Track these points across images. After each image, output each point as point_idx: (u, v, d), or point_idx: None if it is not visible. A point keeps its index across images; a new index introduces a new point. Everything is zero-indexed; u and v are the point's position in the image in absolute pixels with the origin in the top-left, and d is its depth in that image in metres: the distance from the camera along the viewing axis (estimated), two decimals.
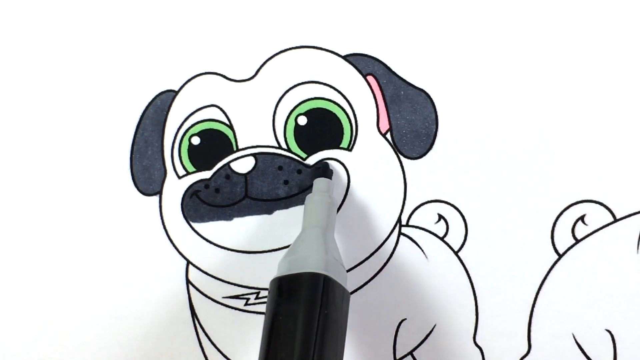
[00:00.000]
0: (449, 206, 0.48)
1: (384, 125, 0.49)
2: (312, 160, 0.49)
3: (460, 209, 0.48)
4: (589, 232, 0.48)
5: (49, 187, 0.51)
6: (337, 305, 0.40)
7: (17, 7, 0.52)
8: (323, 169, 0.48)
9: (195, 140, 0.50)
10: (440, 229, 0.49)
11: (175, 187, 0.50)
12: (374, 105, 0.49)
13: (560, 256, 0.48)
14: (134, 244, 0.50)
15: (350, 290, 0.49)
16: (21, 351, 0.51)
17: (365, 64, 0.49)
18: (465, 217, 0.48)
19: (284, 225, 0.49)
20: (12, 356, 0.51)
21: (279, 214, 0.49)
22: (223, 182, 0.49)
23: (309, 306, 0.38)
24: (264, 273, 0.49)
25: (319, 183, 0.47)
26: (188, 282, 0.50)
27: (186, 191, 0.50)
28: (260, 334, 0.49)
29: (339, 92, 0.49)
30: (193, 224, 0.50)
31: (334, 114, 0.49)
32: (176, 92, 0.50)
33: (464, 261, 0.48)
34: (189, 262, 0.50)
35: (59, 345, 0.51)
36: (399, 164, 0.49)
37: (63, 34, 0.52)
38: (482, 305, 0.48)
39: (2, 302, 0.51)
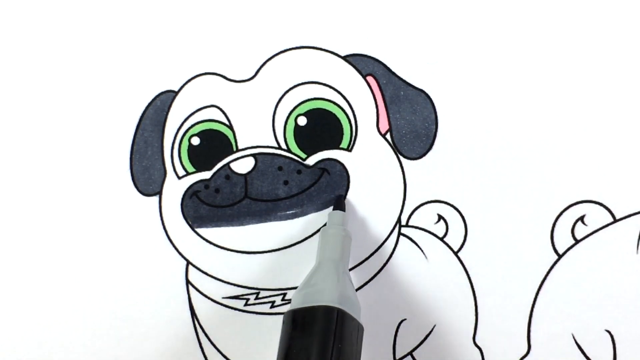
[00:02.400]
0: (448, 206, 0.49)
1: (384, 126, 0.49)
2: (312, 160, 0.49)
3: (460, 209, 0.48)
4: (588, 233, 0.48)
5: (49, 187, 0.51)
6: (351, 339, 0.40)
7: (17, 7, 0.52)
8: (337, 202, 0.48)
9: (195, 141, 0.50)
10: (440, 229, 0.49)
11: (175, 188, 0.50)
12: (374, 105, 0.49)
13: (560, 256, 0.48)
14: (134, 244, 0.50)
15: None
16: (21, 351, 0.51)
17: (365, 65, 0.49)
18: (465, 218, 0.48)
19: (284, 225, 0.49)
20: (12, 356, 0.51)
21: (279, 214, 0.49)
22: (223, 183, 0.49)
23: (323, 340, 0.38)
24: (264, 273, 0.49)
25: (334, 216, 0.47)
26: (188, 282, 0.50)
27: (186, 191, 0.50)
28: (260, 334, 0.49)
29: (339, 92, 0.49)
30: (193, 224, 0.50)
31: (334, 114, 0.49)
32: (176, 93, 0.51)
33: (463, 261, 0.48)
34: (189, 262, 0.50)
35: (59, 346, 0.51)
36: (398, 165, 0.49)
37: (63, 34, 0.52)
38: (482, 305, 0.48)
39: (2, 302, 0.51)
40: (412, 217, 0.49)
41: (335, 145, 0.49)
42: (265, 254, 0.50)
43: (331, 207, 0.48)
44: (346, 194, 0.49)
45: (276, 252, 0.49)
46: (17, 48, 0.52)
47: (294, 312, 0.40)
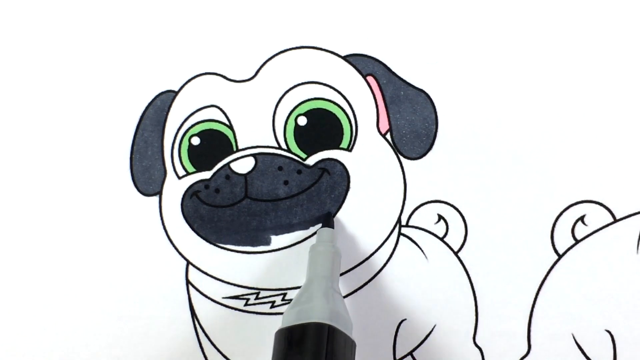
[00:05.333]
0: (448, 206, 0.48)
1: (384, 126, 0.49)
2: (312, 160, 0.49)
3: (460, 209, 0.48)
4: (588, 233, 0.48)
5: (49, 187, 0.51)
6: (343, 355, 0.40)
7: (17, 7, 0.52)
8: (326, 219, 0.48)
9: (195, 141, 0.50)
10: (440, 229, 0.49)
11: (175, 188, 0.50)
12: (374, 105, 0.49)
13: (560, 256, 0.48)
14: (134, 244, 0.50)
15: (350, 291, 0.49)
16: (21, 351, 0.51)
17: (365, 65, 0.49)
18: (465, 218, 0.48)
19: (284, 225, 0.49)
20: (12, 356, 0.51)
21: (279, 214, 0.49)
22: (223, 183, 0.49)
23: (315, 357, 0.38)
24: (264, 273, 0.49)
25: (323, 233, 0.47)
26: (188, 282, 0.50)
27: (186, 191, 0.50)
28: (260, 334, 0.49)
29: (339, 92, 0.49)
30: (193, 224, 0.50)
31: (334, 114, 0.49)
32: (176, 93, 0.51)
33: (463, 261, 0.48)
34: (189, 262, 0.50)
35: (60, 346, 0.51)
36: (398, 164, 0.49)
37: (63, 35, 0.52)
38: (482, 305, 0.48)
39: (2, 302, 0.51)
40: (412, 217, 0.49)
41: (336, 145, 0.49)
42: (265, 254, 0.50)
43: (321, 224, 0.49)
44: (346, 194, 0.49)
45: (276, 252, 0.49)
46: (17, 48, 0.52)
47: (285, 330, 0.40)
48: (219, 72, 0.50)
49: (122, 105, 0.51)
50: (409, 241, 0.49)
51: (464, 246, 0.48)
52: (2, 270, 0.51)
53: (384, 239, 0.49)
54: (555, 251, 0.48)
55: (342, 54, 0.50)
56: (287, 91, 0.49)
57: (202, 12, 0.51)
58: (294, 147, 0.49)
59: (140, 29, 0.51)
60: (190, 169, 0.50)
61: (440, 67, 0.49)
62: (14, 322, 0.51)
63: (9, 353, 0.51)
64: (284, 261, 0.49)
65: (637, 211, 0.48)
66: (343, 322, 0.41)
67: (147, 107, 0.51)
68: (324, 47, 0.50)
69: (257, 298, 0.49)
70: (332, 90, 0.49)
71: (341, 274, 0.49)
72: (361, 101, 0.49)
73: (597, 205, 0.48)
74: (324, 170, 0.49)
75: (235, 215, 0.49)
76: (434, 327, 0.48)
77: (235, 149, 0.50)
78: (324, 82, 0.49)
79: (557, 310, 0.48)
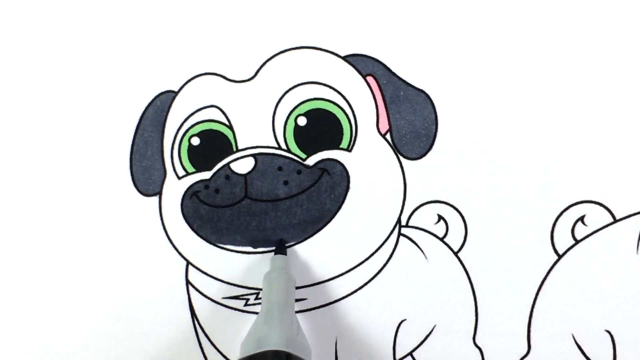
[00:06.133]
0: (448, 207, 0.48)
1: (384, 126, 0.49)
2: (311, 160, 0.49)
3: (460, 209, 0.48)
4: (588, 233, 0.48)
5: (49, 187, 0.51)
6: None
7: (17, 7, 0.52)
8: (278, 247, 0.48)
9: (195, 141, 0.50)
10: (440, 229, 0.49)
11: (175, 188, 0.50)
12: (374, 105, 0.49)
13: (560, 257, 0.48)
14: (134, 244, 0.50)
15: (350, 291, 0.49)
16: (21, 351, 0.51)
17: (365, 65, 0.49)
18: (465, 218, 0.48)
19: (284, 225, 0.49)
20: (12, 356, 0.51)
21: (279, 214, 0.49)
22: (223, 183, 0.49)
23: None
24: (263, 273, 0.49)
25: (276, 260, 0.47)
26: (188, 282, 0.50)
27: (186, 192, 0.50)
28: None
29: (339, 92, 0.49)
30: (193, 225, 0.50)
31: (334, 114, 0.49)
32: (176, 93, 0.50)
33: (463, 262, 0.48)
34: (188, 263, 0.50)
35: (59, 346, 0.51)
36: (398, 165, 0.49)
37: (63, 35, 0.52)
38: (482, 305, 0.48)
39: (2, 302, 0.51)
40: (412, 217, 0.49)
41: (335, 146, 0.49)
42: (265, 254, 0.50)
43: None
44: (346, 194, 0.49)
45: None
46: (17, 48, 0.52)
47: None
48: (218, 73, 0.50)
49: (122, 106, 0.51)
50: (409, 241, 0.49)
51: (464, 246, 0.48)
52: (2, 270, 0.51)
53: (384, 239, 0.49)
54: (555, 251, 0.48)
55: (342, 54, 0.50)
56: (287, 91, 0.49)
57: (201, 12, 0.51)
58: (293, 147, 0.49)
59: (140, 29, 0.51)
60: (190, 169, 0.50)
61: (440, 67, 0.49)
62: (14, 322, 0.51)
63: (9, 353, 0.51)
64: None
65: (637, 211, 0.48)
66: (300, 348, 0.41)
67: (147, 108, 0.51)
68: (323, 47, 0.50)
69: (257, 298, 0.49)
70: (332, 90, 0.49)
71: (341, 275, 0.49)
72: (361, 101, 0.49)
73: (597, 206, 0.48)
74: (324, 171, 0.49)
75: (235, 215, 0.49)
76: (434, 327, 0.48)
77: (235, 149, 0.50)
78: (323, 82, 0.49)
79: (557, 310, 0.48)
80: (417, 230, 0.49)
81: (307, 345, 0.43)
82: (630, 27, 0.48)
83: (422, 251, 0.49)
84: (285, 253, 0.48)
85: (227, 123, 0.50)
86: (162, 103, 0.51)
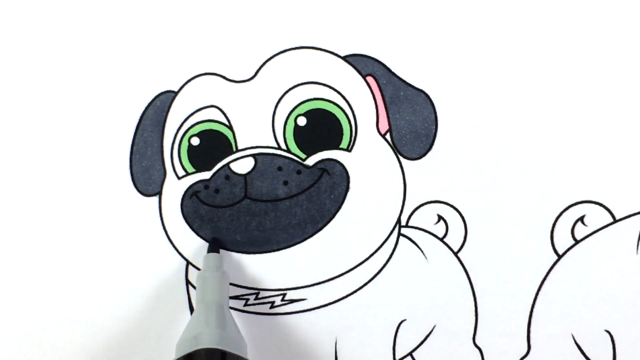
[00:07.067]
0: (448, 207, 0.48)
1: (384, 126, 0.49)
2: (311, 160, 0.49)
3: (459, 209, 0.48)
4: (588, 233, 0.48)
5: (49, 187, 0.51)
6: None
7: (17, 7, 0.52)
8: (211, 245, 0.49)
9: (195, 141, 0.50)
10: (439, 229, 0.49)
11: (174, 188, 0.50)
12: (374, 105, 0.49)
13: (559, 257, 0.48)
14: (134, 244, 0.50)
15: (350, 291, 0.49)
16: (21, 351, 0.51)
17: (364, 65, 0.49)
18: (465, 218, 0.48)
19: (284, 225, 0.49)
20: (12, 356, 0.51)
21: (278, 214, 0.49)
22: (223, 183, 0.49)
23: None
24: (263, 273, 0.49)
25: (209, 259, 0.48)
26: (188, 282, 0.50)
27: (186, 192, 0.50)
28: (260, 334, 0.49)
29: (339, 92, 0.49)
30: (193, 225, 0.50)
31: (334, 114, 0.49)
32: (176, 93, 0.50)
33: (463, 262, 0.48)
34: (188, 263, 0.50)
35: (59, 346, 0.51)
36: (398, 165, 0.49)
37: (63, 35, 0.52)
38: (482, 305, 0.48)
39: (2, 302, 0.51)
40: (412, 217, 0.49)
41: (335, 146, 0.49)
42: (265, 254, 0.50)
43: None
44: (346, 194, 0.49)
45: (276, 252, 0.49)
46: (17, 48, 0.52)
47: None
48: (218, 73, 0.50)
49: (121, 106, 0.51)
50: (409, 241, 0.49)
51: (464, 246, 0.48)
52: (2, 270, 0.51)
53: (383, 239, 0.49)
54: (555, 251, 0.48)
55: (342, 54, 0.50)
56: (286, 91, 0.49)
57: (201, 12, 0.51)
58: (293, 147, 0.49)
59: (140, 29, 0.51)
60: (190, 169, 0.50)
61: (440, 68, 0.49)
62: (14, 322, 0.51)
63: (9, 353, 0.51)
64: (283, 261, 0.49)
65: (637, 211, 0.48)
66: (235, 345, 0.42)
67: (146, 108, 0.51)
68: (323, 47, 0.50)
69: (256, 298, 0.49)
70: (331, 90, 0.49)
71: (341, 275, 0.49)
72: (361, 101, 0.49)
73: (597, 206, 0.48)
74: (324, 171, 0.49)
75: (235, 215, 0.49)
76: (434, 327, 0.48)
77: (234, 149, 0.50)
78: (323, 82, 0.49)
79: (557, 311, 0.48)
80: (417, 230, 0.49)
81: (242, 342, 0.43)
82: (630, 28, 0.48)
83: (422, 251, 0.49)
84: (218, 251, 0.48)
85: (226, 123, 0.50)
86: (162, 103, 0.51)
